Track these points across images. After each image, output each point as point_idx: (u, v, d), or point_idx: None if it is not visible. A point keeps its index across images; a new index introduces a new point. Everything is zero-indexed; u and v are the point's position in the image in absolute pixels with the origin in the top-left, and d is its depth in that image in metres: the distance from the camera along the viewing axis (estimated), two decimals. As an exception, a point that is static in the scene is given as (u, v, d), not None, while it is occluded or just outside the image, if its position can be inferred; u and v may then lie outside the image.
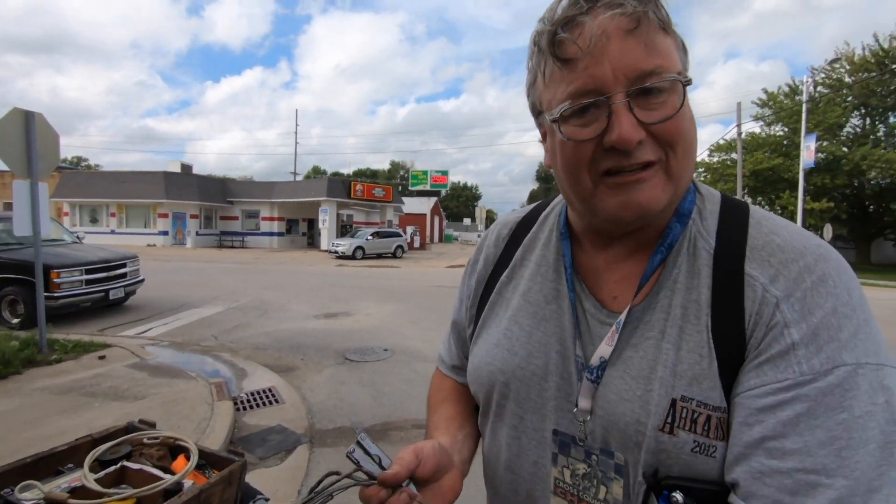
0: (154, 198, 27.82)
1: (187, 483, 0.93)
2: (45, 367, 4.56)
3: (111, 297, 7.48)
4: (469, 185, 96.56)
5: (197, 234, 29.23)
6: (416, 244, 34.70)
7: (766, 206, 29.00)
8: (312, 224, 33.80)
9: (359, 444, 0.60)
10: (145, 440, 1.06)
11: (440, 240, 54.77)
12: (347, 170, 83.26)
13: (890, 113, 27.58)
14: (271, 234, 31.48)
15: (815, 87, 25.55)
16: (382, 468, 0.57)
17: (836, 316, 0.48)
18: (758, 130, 29.74)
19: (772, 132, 29.65)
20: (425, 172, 40.72)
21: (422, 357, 5.54)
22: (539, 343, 0.63)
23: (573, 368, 0.60)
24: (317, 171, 79.38)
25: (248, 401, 4.08)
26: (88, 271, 7.07)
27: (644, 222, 0.56)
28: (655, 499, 0.51)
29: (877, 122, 28.59)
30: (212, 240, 30.71)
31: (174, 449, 1.09)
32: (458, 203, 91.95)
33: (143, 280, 8.38)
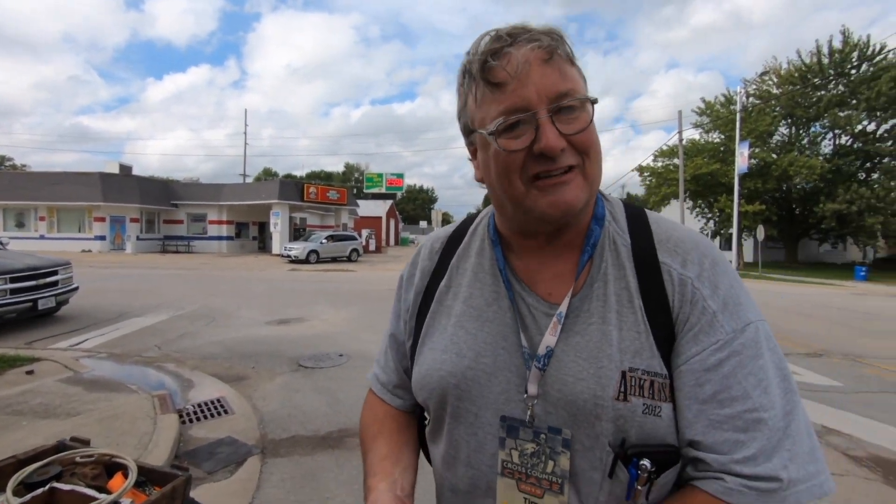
0: (89, 200, 26.07)
1: (125, 502, 0.88)
2: (-36, 384, 4.17)
3: (40, 307, 6.93)
4: (425, 188, 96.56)
5: (138, 238, 27.64)
6: (372, 247, 34.33)
7: (706, 209, 30.73)
8: (264, 228, 32.74)
9: None
10: (78, 459, 1.00)
11: (396, 243, 54.43)
12: (300, 172, 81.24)
13: (813, 123, 29.89)
14: (220, 238, 30.23)
15: (747, 98, 27.34)
16: None
17: (732, 288, 0.63)
18: (697, 137, 31.50)
19: (710, 139, 31.47)
20: (380, 175, 40.39)
21: (378, 361, 5.48)
22: (485, 343, 0.68)
23: (520, 360, 0.65)
24: (268, 174, 76.96)
25: (196, 413, 3.90)
26: (13, 279, 6.54)
27: (568, 220, 0.64)
28: (624, 467, 0.59)
29: (801, 131, 30.94)
30: (154, 245, 29.14)
31: (111, 467, 1.03)
32: (415, 206, 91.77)
33: (76, 288, 7.83)
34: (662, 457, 0.59)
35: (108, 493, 0.90)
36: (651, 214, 0.70)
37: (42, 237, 26.43)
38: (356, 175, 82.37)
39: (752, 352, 0.59)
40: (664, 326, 0.61)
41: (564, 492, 0.62)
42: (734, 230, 23.55)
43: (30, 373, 4.57)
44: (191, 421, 3.75)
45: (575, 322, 0.64)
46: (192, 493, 1.06)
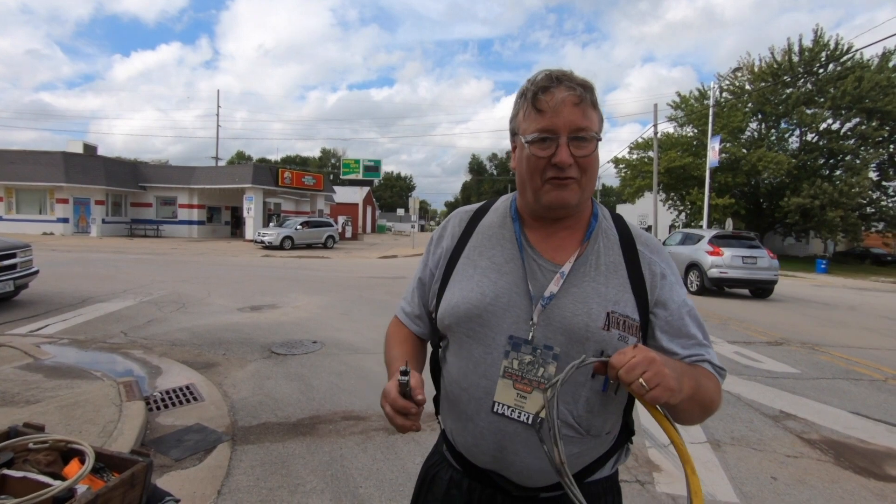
0: (51, 181, 24.98)
1: (81, 488, 0.86)
2: (-87, 371, 3.98)
3: (-2, 292, 6.64)
4: (403, 175, 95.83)
5: (103, 221, 26.65)
6: (349, 234, 33.97)
7: (678, 202, 31.40)
8: (236, 212, 31.99)
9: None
10: (31, 445, 0.97)
11: (373, 230, 53.98)
12: (275, 156, 79.53)
13: (781, 119, 30.76)
14: (190, 222, 29.42)
15: (720, 93, 27.93)
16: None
17: (672, 266, 0.99)
18: (672, 131, 32.06)
19: (684, 133, 32.07)
20: (357, 161, 39.78)
21: (353, 349, 5.46)
22: (504, 288, 0.94)
23: (528, 302, 0.92)
24: (241, 157, 74.99)
25: (163, 400, 3.81)
26: (-32, 262, 6.23)
27: (565, 212, 0.95)
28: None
29: (770, 128, 31.83)
30: (121, 228, 28.16)
31: (67, 453, 1.00)
32: (392, 193, 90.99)
33: (37, 272, 7.52)
34: None
35: (64, 479, 0.87)
36: (626, 219, 1.02)
37: (0, 218, 25.25)
38: (332, 161, 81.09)
39: (690, 304, 0.98)
40: (639, 289, 0.93)
41: (549, 390, 0.81)
42: (704, 222, 24.20)
43: (-14, 359, 4.38)
44: (158, 408, 3.67)
45: (573, 279, 0.92)
46: (159, 481, 1.04)
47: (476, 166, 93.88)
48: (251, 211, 26.39)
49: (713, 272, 11.32)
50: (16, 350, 4.71)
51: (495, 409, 0.90)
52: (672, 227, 37.01)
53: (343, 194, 43.73)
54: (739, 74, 30.10)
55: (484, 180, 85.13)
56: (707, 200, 22.72)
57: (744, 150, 28.52)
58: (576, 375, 0.83)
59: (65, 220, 25.76)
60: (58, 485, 0.83)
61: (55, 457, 0.96)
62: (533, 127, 0.89)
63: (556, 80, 0.88)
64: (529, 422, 0.87)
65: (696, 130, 30.68)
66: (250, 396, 3.98)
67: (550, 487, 0.92)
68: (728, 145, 27.32)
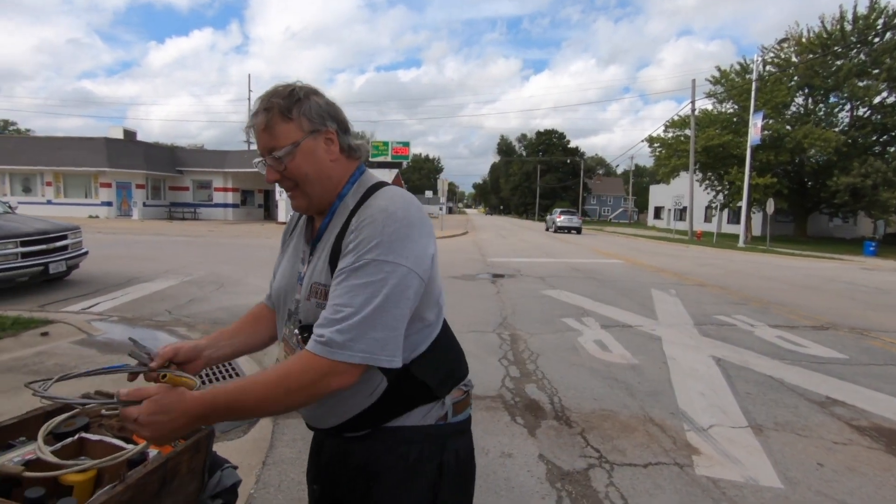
0: (95, 166, 26.02)
1: (152, 452, 0.90)
2: (-19, 345, 4.26)
3: (52, 271, 7.01)
4: (431, 157, 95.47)
5: (144, 205, 27.69)
6: (378, 217, 34.14)
7: (716, 181, 30.27)
8: (269, 195, 32.65)
9: (132, 341, 1.05)
10: (104, 411, 1.02)
11: (402, 212, 54.10)
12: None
13: (830, 94, 29.05)
14: (225, 205, 30.24)
15: (763, 67, 26.53)
16: (151, 359, 1.01)
17: (374, 232, 0.92)
18: (710, 107, 30.74)
19: (723, 109, 30.71)
20: (386, 143, 39.80)
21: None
22: (293, 270, 1.10)
23: (298, 282, 1.07)
24: (273, 141, 76.14)
25: (207, 375, 3.97)
26: (24, 243, 6.58)
27: (309, 213, 1.10)
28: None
29: (818, 103, 30.11)
30: (161, 211, 29.20)
31: (135, 420, 1.05)
32: (420, 175, 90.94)
33: (86, 253, 7.89)
34: (310, 329, 0.94)
35: (135, 444, 0.91)
36: (384, 191, 1.00)
37: (49, 202, 26.53)
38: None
39: (356, 268, 0.94)
40: (335, 255, 0.96)
41: (296, 352, 0.99)
42: (744, 203, 23.27)
43: (44, 335, 4.65)
44: (203, 383, 3.81)
45: (311, 258, 1.05)
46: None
47: (505, 147, 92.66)
48: (283, 194, 26.81)
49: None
50: (71, 326, 4.98)
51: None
52: (709, 208, 35.80)
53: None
54: (786, 46, 28.47)
55: (512, 161, 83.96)
56: (747, 180, 21.84)
57: (788, 127, 27.15)
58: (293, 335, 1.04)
59: (108, 204, 26.88)
60: (131, 448, 0.87)
61: (125, 423, 1.00)
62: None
63: (254, 111, 0.99)
64: None
65: (736, 107, 29.32)
66: (289, 373, 4.10)
67: (349, 428, 1.02)
68: (771, 122, 26.04)
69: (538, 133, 78.22)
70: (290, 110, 0.96)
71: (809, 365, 4.68)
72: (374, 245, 0.89)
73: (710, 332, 5.77)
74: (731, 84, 29.01)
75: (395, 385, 0.98)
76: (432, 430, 1.03)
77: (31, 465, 0.81)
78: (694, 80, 23.95)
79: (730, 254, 18.40)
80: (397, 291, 0.89)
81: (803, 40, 28.40)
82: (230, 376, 3.95)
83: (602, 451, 2.90)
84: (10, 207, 8.07)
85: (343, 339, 0.86)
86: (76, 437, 0.91)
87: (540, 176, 71.40)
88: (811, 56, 27.49)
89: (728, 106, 30.47)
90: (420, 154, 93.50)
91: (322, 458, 1.11)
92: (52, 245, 7.02)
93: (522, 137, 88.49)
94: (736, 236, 25.95)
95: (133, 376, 1.01)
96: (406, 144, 41.20)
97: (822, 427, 3.32)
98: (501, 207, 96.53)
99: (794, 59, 29.03)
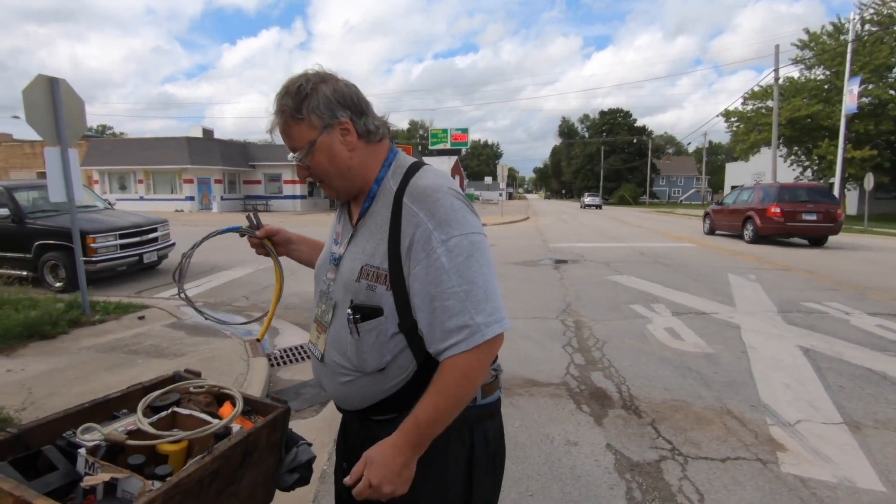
0: (179, 163, 28.16)
1: (235, 427, 0.96)
2: (89, 327, 4.79)
3: (145, 261, 7.72)
4: (489, 142, 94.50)
5: (222, 198, 29.63)
6: (438, 204, 34.40)
7: (803, 156, 27.66)
8: (334, 186, 33.74)
9: (253, 209, 1.37)
10: (192, 388, 1.10)
11: (461, 199, 54.14)
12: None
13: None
14: (294, 197, 31.70)
15: (862, 26, 23.67)
16: (259, 228, 1.36)
17: (437, 213, 0.95)
18: (797, 75, 27.96)
19: (811, 77, 27.83)
20: (445, 131, 39.91)
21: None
22: (326, 252, 1.17)
23: (330, 262, 1.12)
24: (336, 133, 78.44)
25: (282, 357, 4.22)
26: (122, 236, 7.28)
27: (341, 199, 1.13)
28: (352, 315, 1.00)
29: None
30: (237, 204, 31.14)
31: (219, 397, 1.13)
32: (479, 162, 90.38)
33: (174, 244, 8.61)
34: (365, 311, 0.98)
35: (220, 419, 0.98)
36: (422, 172, 1.03)
37: (141, 198, 29.09)
38: (420, 132, 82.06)
39: (445, 265, 0.96)
40: (394, 239, 0.97)
41: (327, 332, 1.07)
42: (836, 179, 21.09)
43: (141, 318, 5.14)
44: (278, 364, 4.06)
45: (354, 240, 1.05)
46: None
47: (566, 129, 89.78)
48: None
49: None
50: (162, 311, 5.47)
51: (308, 348, 1.17)
52: (794, 185, 32.81)
53: (432, 164, 44.20)
54: (889, 0, 25.18)
55: (574, 143, 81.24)
56: (841, 153, 19.75)
57: (892, 92, 24.12)
58: (343, 321, 1.02)
59: (191, 199, 29.04)
60: (217, 423, 0.94)
61: (211, 399, 1.08)
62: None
63: (272, 111, 1.01)
64: (319, 358, 1.09)
65: (827, 72, 26.45)
66: (356, 356, 4.26)
67: (378, 411, 1.04)
68: (870, 87, 23.26)
69: (602, 113, 75.03)
70: (299, 110, 0.97)
71: (917, 357, 4.19)
72: (446, 224, 0.92)
73: (796, 320, 5.32)
74: (822, 47, 26.15)
75: (423, 369, 0.98)
76: (461, 413, 1.02)
77: (132, 434, 0.90)
78: (777, 46, 21.80)
79: (819, 235, 16.77)
80: (487, 257, 0.95)
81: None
82: (303, 359, 4.17)
83: (675, 443, 2.77)
84: (109, 204, 8.93)
85: (484, 319, 0.90)
86: (170, 410, 1.00)
87: (604, 157, 68.62)
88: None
89: (818, 72, 27.55)
90: (478, 140, 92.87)
91: (349, 441, 1.14)
92: (144, 237, 7.72)
93: (585, 118, 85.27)
94: (827, 216, 23.55)
95: (243, 234, 1.35)
96: (465, 131, 41.03)
97: (932, 426, 2.98)
98: (563, 192, 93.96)
99: (899, 14, 25.64)
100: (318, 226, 19.48)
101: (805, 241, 13.04)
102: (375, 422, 1.05)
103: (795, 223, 12.20)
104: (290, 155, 1.04)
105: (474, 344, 0.89)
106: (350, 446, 1.13)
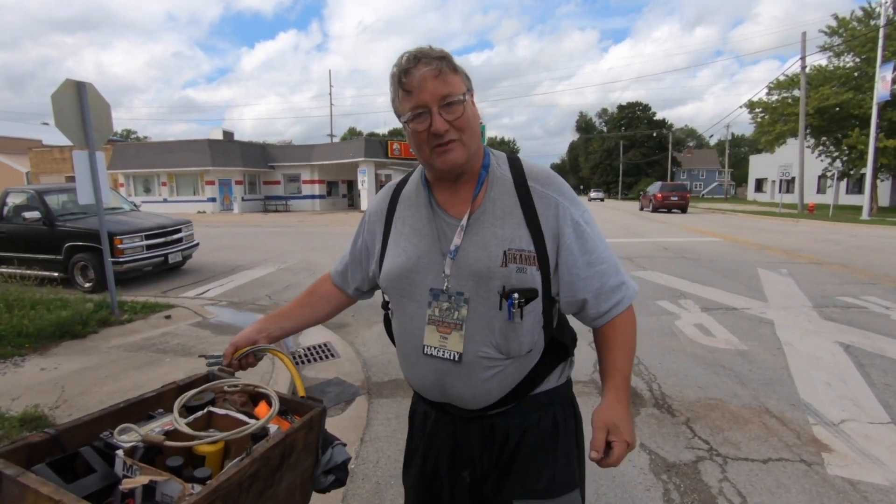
0: (201, 165, 28.65)
1: (272, 428, 0.92)
2: (118, 326, 4.87)
3: (170, 261, 7.85)
4: (506, 139, 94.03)
5: (243, 199, 30.06)
6: (455, 202, 34.34)
7: (832, 147, 26.80)
8: (352, 185, 34.02)
9: (203, 356, 1.18)
10: (226, 388, 1.07)
11: (478, 197, 53.93)
12: (383, 129, 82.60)
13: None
14: (313, 196, 31.98)
15: (894, 10, 22.78)
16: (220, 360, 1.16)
17: (565, 191, 1.06)
18: (825, 63, 27.04)
19: (840, 64, 26.89)
20: (461, 128, 39.78)
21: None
22: (423, 248, 1.06)
23: (441, 256, 1.04)
24: (353, 133, 79.09)
25: (306, 355, 4.22)
26: (148, 237, 7.41)
27: (457, 171, 1.03)
28: (505, 301, 0.98)
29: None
30: (257, 205, 31.56)
31: (254, 396, 1.09)
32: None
33: (198, 244, 8.73)
34: (527, 294, 0.98)
35: (256, 419, 0.95)
36: (521, 158, 1.10)
37: (165, 200, 29.69)
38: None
39: (591, 234, 1.07)
40: (533, 221, 1.01)
41: (463, 329, 1.01)
42: (868, 170, 20.36)
43: (168, 317, 5.21)
44: (302, 363, 4.07)
45: (474, 228, 1.02)
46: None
47: (584, 124, 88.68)
48: (365, 183, 27.87)
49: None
50: (188, 310, 5.53)
51: (426, 352, 1.05)
52: (823, 177, 31.88)
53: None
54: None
55: (592, 138, 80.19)
56: (873, 143, 19.06)
57: (927, 78, 23.14)
58: (485, 310, 1.00)
59: (213, 200, 29.53)
60: (254, 423, 0.91)
61: (246, 399, 1.05)
62: (407, 107, 0.97)
63: (414, 60, 0.96)
64: (454, 358, 1.02)
65: (857, 60, 25.52)
66: (380, 354, 4.24)
67: (494, 405, 1.05)
68: (904, 73, 22.33)
69: (620, 107, 73.81)
70: (455, 65, 1.00)
71: (966, 353, 3.98)
72: (576, 201, 1.05)
73: (833, 316, 5.12)
74: (851, 33, 25.23)
75: (550, 346, 1.06)
76: (564, 388, 1.13)
77: (169, 435, 0.87)
78: (804, 33, 21.16)
79: (851, 228, 16.22)
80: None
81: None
82: (327, 357, 4.17)
83: (712, 444, 2.67)
84: (135, 206, 9.11)
85: (626, 278, 1.08)
86: (205, 410, 0.97)
87: (623, 152, 67.57)
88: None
89: (847, 59, 26.61)
90: (494, 137, 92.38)
91: (463, 447, 1.11)
92: (169, 238, 7.85)
93: (603, 112, 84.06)
94: (857, 208, 22.85)
95: (225, 373, 1.14)
96: (482, 128, 40.86)
97: None
98: (581, 187, 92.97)
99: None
100: (337, 224, 19.62)
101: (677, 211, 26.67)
102: (492, 416, 1.08)
103: (667, 202, 26.56)
104: (415, 111, 0.96)
105: (632, 299, 1.07)
106: (466, 451, 1.11)
